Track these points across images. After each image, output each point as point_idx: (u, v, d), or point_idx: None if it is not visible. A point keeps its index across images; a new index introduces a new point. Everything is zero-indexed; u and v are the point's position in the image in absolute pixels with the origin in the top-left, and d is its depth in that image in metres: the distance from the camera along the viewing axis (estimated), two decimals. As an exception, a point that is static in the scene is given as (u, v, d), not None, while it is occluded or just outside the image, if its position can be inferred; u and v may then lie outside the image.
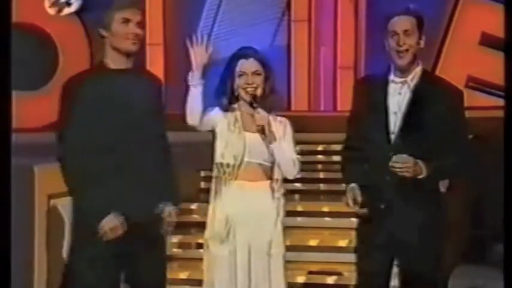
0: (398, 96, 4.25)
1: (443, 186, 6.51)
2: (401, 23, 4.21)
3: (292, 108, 8.11)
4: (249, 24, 8.27)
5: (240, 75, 4.26)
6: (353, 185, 4.21)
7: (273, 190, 4.28)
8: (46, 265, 5.99)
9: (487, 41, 7.79)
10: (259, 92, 4.25)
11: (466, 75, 7.91)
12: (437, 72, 7.87)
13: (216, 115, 4.28)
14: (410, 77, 4.26)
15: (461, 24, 7.94)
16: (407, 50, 4.19)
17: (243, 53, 4.30)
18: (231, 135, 4.25)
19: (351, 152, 4.31)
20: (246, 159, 4.23)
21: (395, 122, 4.23)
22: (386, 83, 4.28)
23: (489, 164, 6.67)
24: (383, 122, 4.23)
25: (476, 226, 7.09)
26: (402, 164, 4.10)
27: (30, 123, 8.29)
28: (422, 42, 4.25)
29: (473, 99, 7.83)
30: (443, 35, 7.99)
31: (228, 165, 4.24)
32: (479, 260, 6.57)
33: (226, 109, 4.27)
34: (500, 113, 4.41)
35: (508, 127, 4.12)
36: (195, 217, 6.53)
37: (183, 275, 6.17)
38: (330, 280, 5.94)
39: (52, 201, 6.04)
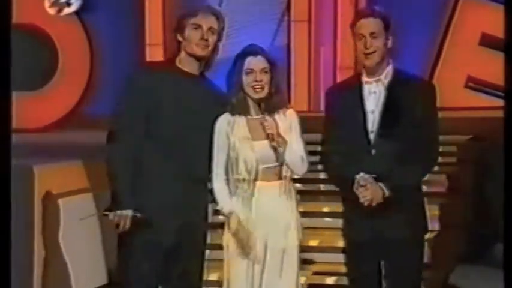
0: (373, 95, 4.30)
1: (443, 186, 6.55)
2: (368, 25, 4.27)
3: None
4: (249, 24, 8.24)
5: (248, 73, 4.18)
6: (362, 174, 4.20)
7: (285, 189, 4.24)
8: (45, 264, 6.00)
9: (487, 41, 7.78)
10: (265, 90, 4.20)
11: (466, 76, 7.89)
12: (437, 73, 7.92)
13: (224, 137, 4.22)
14: (383, 75, 4.31)
15: (461, 25, 7.91)
16: (374, 52, 4.25)
17: (251, 50, 4.22)
18: (241, 149, 4.19)
19: (333, 157, 4.34)
20: (260, 168, 4.18)
21: (373, 120, 4.27)
22: (359, 84, 4.32)
23: (489, 164, 6.68)
24: (361, 121, 4.27)
25: (477, 226, 7.09)
26: (365, 191, 4.15)
27: (30, 124, 8.28)
28: (390, 43, 4.31)
29: (473, 99, 7.85)
30: (443, 35, 7.97)
31: (243, 180, 4.19)
32: (479, 260, 6.56)
33: (233, 112, 4.21)
34: (500, 113, 4.42)
35: (508, 127, 4.13)
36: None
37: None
38: (330, 281, 5.93)
39: (52, 200, 6.05)
